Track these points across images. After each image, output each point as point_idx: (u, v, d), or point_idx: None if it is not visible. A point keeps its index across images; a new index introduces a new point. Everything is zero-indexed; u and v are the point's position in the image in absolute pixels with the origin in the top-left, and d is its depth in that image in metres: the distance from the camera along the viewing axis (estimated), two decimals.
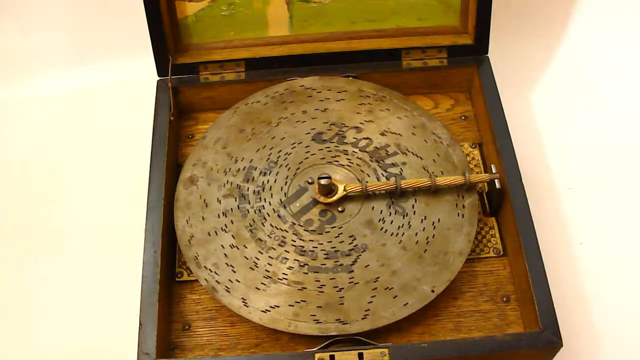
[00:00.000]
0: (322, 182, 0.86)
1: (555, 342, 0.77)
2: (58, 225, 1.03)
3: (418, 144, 0.93)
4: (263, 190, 0.90)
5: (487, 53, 1.00)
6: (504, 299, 0.86)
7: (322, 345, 0.79)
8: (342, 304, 0.81)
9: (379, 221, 0.87)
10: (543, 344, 0.77)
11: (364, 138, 0.93)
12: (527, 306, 0.82)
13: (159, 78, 0.99)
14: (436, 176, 0.88)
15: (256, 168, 0.92)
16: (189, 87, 0.99)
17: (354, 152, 0.93)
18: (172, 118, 0.95)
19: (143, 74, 1.09)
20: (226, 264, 0.85)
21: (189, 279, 0.87)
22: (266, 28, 1.00)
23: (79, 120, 1.15)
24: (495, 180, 0.87)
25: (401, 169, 0.91)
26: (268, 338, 0.84)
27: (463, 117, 1.01)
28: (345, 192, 0.87)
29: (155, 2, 0.93)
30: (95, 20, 1.20)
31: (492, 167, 0.88)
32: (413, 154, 0.92)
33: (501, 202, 0.89)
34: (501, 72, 1.01)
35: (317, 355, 0.76)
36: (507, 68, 1.14)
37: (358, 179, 0.90)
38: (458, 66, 1.00)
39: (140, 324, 0.79)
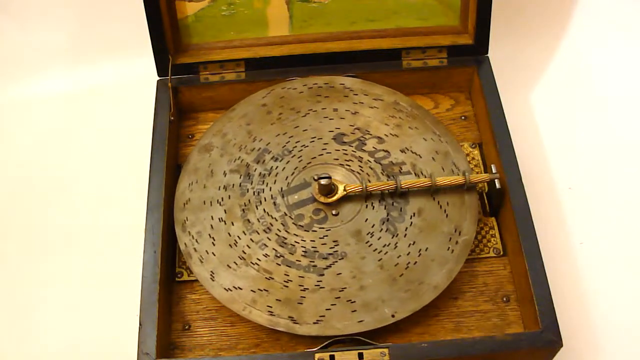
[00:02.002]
0: (322, 182, 0.86)
1: (555, 342, 0.77)
2: (58, 225, 1.03)
3: (434, 169, 0.91)
4: (269, 175, 0.91)
5: (487, 53, 1.00)
6: (504, 299, 0.86)
7: (322, 345, 0.79)
8: (301, 303, 0.82)
9: (368, 234, 0.86)
10: (543, 344, 0.77)
11: (383, 150, 0.92)
12: (527, 306, 0.82)
13: (159, 78, 0.99)
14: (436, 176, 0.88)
15: (270, 152, 0.93)
16: (189, 87, 0.99)
17: (368, 160, 0.92)
18: (172, 118, 0.95)
19: (143, 74, 1.09)
20: (209, 235, 0.86)
21: (189, 279, 0.87)
22: (266, 28, 1.00)
23: (79, 120, 1.15)
24: (495, 180, 0.87)
25: (409, 189, 0.89)
26: (268, 338, 0.84)
27: (463, 117, 1.01)
28: (345, 192, 0.87)
29: (155, 2, 0.93)
30: (96, 20, 1.20)
31: (492, 167, 0.88)
32: (425, 178, 0.89)
33: (501, 202, 0.89)
34: (501, 72, 1.01)
35: (317, 355, 0.76)
36: (507, 68, 1.14)
37: (359, 179, 0.90)
38: (458, 66, 1.00)
39: (140, 324, 0.79)
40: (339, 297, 0.82)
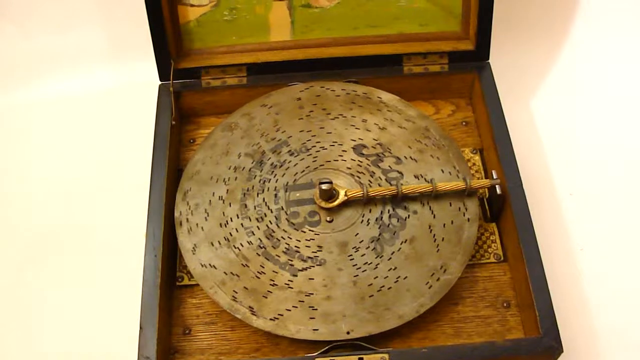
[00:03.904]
0: (323, 187, 0.86)
1: (555, 347, 0.77)
2: (59, 229, 1.03)
3: (439, 202, 0.88)
4: (279, 167, 0.91)
5: (488, 59, 1.00)
6: (505, 305, 0.86)
7: (322, 350, 0.79)
8: (265, 297, 0.82)
9: (353, 248, 0.86)
10: (543, 350, 0.77)
11: (398, 172, 0.91)
12: (527, 312, 0.82)
13: (160, 82, 0.99)
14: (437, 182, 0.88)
15: (289, 145, 0.93)
16: (191, 92, 0.99)
17: (379, 177, 0.91)
18: (173, 122, 0.96)
19: (145, 79, 1.09)
20: (205, 209, 0.88)
21: (190, 283, 0.88)
22: (268, 33, 1.00)
23: (81, 124, 1.15)
24: (496, 185, 0.87)
25: (409, 215, 0.88)
26: (268, 343, 0.84)
27: (464, 123, 1.01)
28: (346, 197, 0.87)
29: (157, 7, 0.93)
30: (97, 25, 1.20)
31: (493, 173, 0.88)
32: (429, 209, 0.88)
33: (502, 207, 0.89)
34: (502, 78, 1.02)
35: None
36: (508, 74, 1.14)
37: (359, 184, 0.90)
38: (459, 72, 1.00)
39: (140, 328, 0.79)
40: (302, 301, 0.82)
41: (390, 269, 0.84)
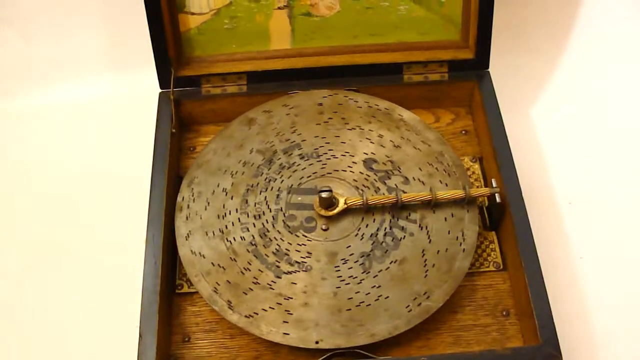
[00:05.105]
0: (323, 195, 0.86)
1: (555, 356, 0.77)
2: (59, 237, 1.03)
3: (438, 228, 0.87)
4: (287, 168, 0.92)
5: (487, 68, 1.00)
6: (504, 313, 0.86)
7: (322, 358, 0.79)
8: (246, 293, 0.83)
9: (341, 260, 0.85)
10: (543, 358, 0.77)
11: (403, 191, 0.90)
12: (526, 320, 0.82)
13: (161, 90, 0.99)
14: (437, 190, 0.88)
15: (301, 148, 0.94)
16: (191, 100, 1.00)
17: (384, 194, 0.90)
18: (173, 130, 0.96)
19: (145, 86, 1.09)
20: (206, 199, 0.90)
21: (189, 291, 0.88)
22: (268, 41, 1.01)
23: (81, 131, 1.16)
24: (496, 194, 0.87)
25: (405, 236, 0.87)
26: (267, 351, 0.84)
27: (464, 132, 1.01)
28: (345, 205, 0.87)
29: (158, 15, 0.93)
30: (98, 33, 1.20)
31: (493, 182, 0.88)
32: (426, 233, 0.87)
33: (501, 216, 0.89)
34: (502, 87, 1.02)
35: None
36: (508, 83, 1.14)
37: (359, 192, 0.90)
38: (459, 80, 1.00)
39: (140, 336, 0.79)
40: (280, 304, 0.82)
41: (374, 286, 0.83)
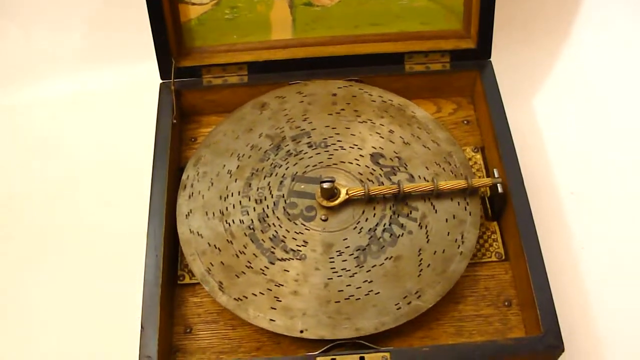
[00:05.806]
0: (325, 185, 0.85)
1: (556, 346, 0.77)
2: (60, 228, 1.03)
3: (438, 228, 0.87)
4: (294, 156, 0.92)
5: (489, 57, 1.00)
6: (506, 303, 0.86)
7: (323, 349, 0.79)
8: (238, 276, 0.83)
9: (337, 252, 0.85)
10: (544, 348, 0.77)
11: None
12: (528, 310, 0.82)
13: (161, 81, 0.99)
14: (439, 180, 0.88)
15: (310, 137, 0.94)
16: (192, 90, 0.99)
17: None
18: (174, 121, 0.95)
19: (146, 77, 1.09)
20: (210, 179, 0.90)
21: (191, 282, 0.88)
22: (269, 31, 1.00)
23: (82, 123, 1.15)
24: (498, 184, 0.87)
25: (403, 233, 0.86)
26: (269, 341, 0.84)
27: (465, 122, 1.01)
28: (347, 196, 0.87)
29: (158, 6, 0.93)
30: (98, 24, 1.20)
31: (495, 172, 0.88)
32: (425, 233, 0.86)
33: (503, 206, 0.89)
34: (504, 77, 1.01)
35: (318, 359, 0.76)
36: (510, 72, 1.14)
37: (361, 183, 0.90)
38: (461, 70, 1.00)
39: (141, 327, 0.79)
40: (270, 290, 0.82)
41: (366, 281, 0.83)
